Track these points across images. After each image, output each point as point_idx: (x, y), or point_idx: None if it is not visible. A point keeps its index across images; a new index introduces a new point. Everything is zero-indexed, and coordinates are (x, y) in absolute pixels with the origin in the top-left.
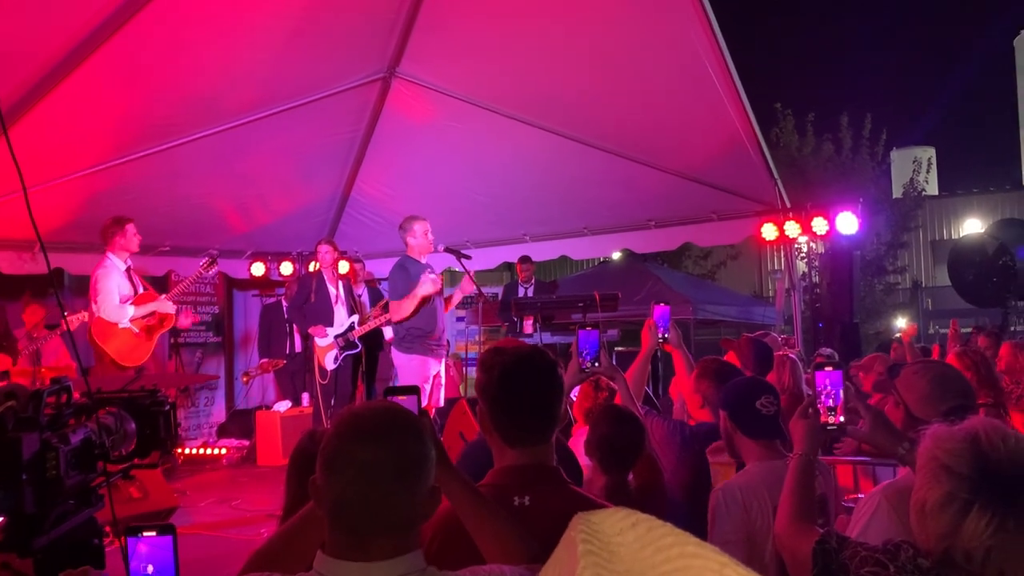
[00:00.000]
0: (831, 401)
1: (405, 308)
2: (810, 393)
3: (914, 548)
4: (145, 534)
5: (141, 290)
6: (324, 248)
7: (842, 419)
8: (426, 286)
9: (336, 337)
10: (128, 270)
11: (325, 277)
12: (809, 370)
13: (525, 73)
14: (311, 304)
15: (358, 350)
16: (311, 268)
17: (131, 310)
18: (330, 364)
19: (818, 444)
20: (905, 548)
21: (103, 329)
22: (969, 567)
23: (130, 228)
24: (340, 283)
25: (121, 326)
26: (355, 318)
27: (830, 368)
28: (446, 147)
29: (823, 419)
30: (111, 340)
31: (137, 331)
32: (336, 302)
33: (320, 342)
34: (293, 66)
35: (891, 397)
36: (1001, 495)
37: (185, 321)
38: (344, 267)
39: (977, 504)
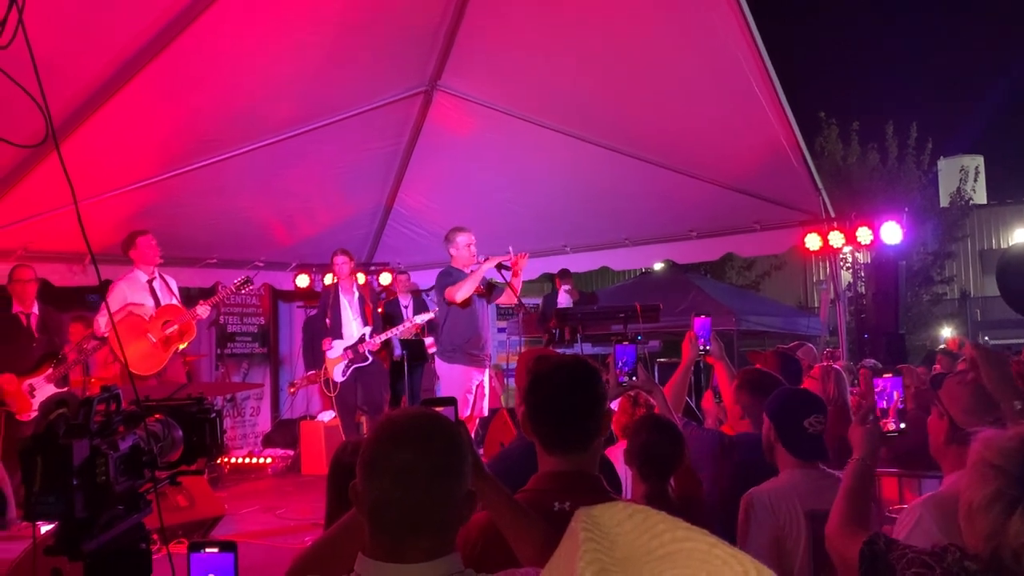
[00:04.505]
0: (888, 406)
1: (466, 288)
2: (862, 399)
3: (961, 550)
4: (207, 551)
5: (169, 302)
6: (340, 259)
7: (902, 426)
8: (488, 264)
9: (346, 349)
10: (151, 282)
11: (340, 288)
12: (856, 381)
13: (565, 85)
14: (326, 318)
15: (367, 363)
16: (326, 281)
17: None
18: (338, 376)
19: (877, 450)
20: (952, 550)
21: (120, 337)
22: (1018, 568)
23: (143, 241)
24: (356, 294)
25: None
26: (367, 330)
27: (889, 375)
28: (487, 159)
29: (884, 426)
30: (126, 348)
31: (155, 340)
32: (349, 313)
33: (329, 354)
34: (336, 81)
35: (935, 408)
36: None
37: (203, 311)
38: (363, 278)
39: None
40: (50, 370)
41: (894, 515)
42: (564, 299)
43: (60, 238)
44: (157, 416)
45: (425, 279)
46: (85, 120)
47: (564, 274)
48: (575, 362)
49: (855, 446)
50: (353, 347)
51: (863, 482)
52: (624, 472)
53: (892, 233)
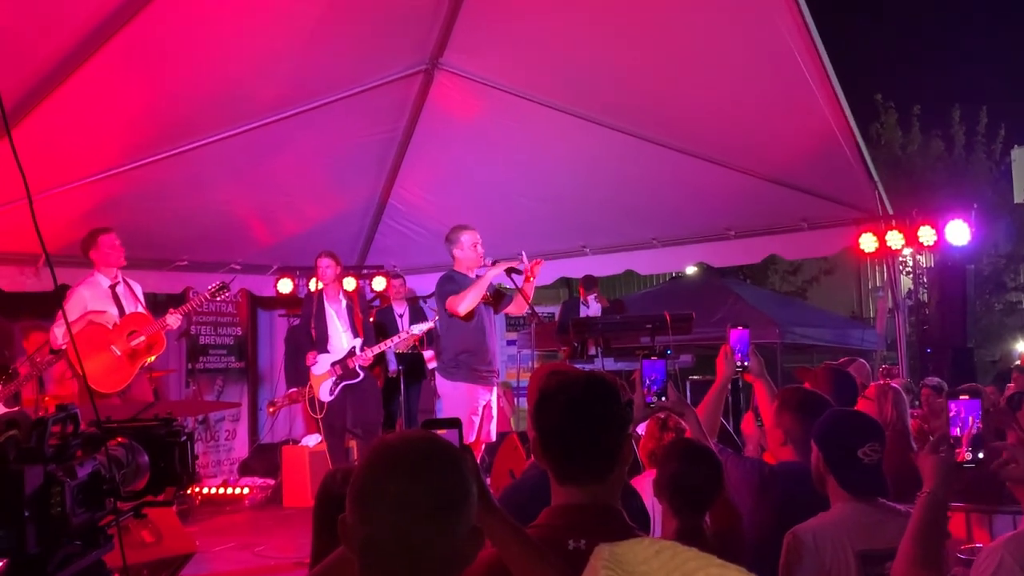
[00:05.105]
0: (961, 432)
1: (471, 298)
2: (924, 423)
3: None
4: None
5: (135, 310)
6: (325, 262)
7: (980, 456)
8: (495, 270)
9: (333, 364)
10: (114, 287)
11: (325, 295)
12: (917, 402)
13: (585, 62)
14: (311, 329)
15: (358, 379)
16: (311, 286)
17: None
18: (325, 395)
19: (951, 483)
20: None
21: (80, 350)
22: None
23: (105, 240)
24: (343, 301)
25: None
26: (357, 342)
27: (966, 397)
28: (495, 147)
29: (958, 456)
30: (87, 362)
31: (119, 353)
32: (336, 324)
33: (315, 370)
34: (324, 58)
35: (1012, 432)
36: None
37: (173, 321)
38: (350, 283)
39: None
40: None
41: (964, 556)
42: (594, 309)
43: (10, 237)
44: (120, 439)
45: (423, 284)
46: (40, 102)
47: (589, 282)
48: (591, 378)
49: (926, 477)
50: (342, 362)
51: (935, 518)
52: (653, 505)
53: (959, 233)
